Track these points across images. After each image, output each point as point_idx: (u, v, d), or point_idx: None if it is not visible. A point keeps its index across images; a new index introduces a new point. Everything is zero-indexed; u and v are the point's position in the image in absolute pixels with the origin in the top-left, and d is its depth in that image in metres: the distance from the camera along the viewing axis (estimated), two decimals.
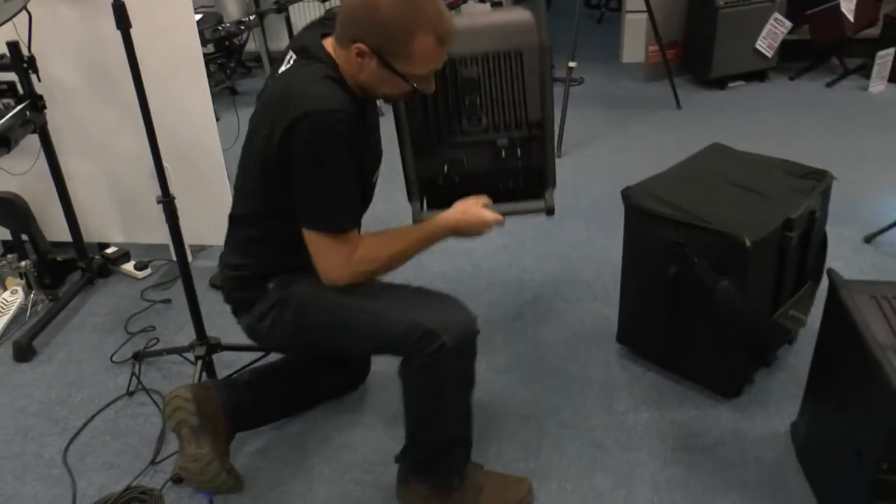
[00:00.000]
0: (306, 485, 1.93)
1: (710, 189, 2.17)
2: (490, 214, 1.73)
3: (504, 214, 1.77)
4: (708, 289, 1.97)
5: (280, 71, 1.66)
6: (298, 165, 1.55)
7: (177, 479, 1.93)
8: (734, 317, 1.96)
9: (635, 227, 2.15)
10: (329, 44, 1.62)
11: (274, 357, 2.23)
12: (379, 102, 1.81)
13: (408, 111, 1.82)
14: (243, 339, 1.94)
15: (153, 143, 2.00)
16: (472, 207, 1.74)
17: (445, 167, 1.88)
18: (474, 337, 1.61)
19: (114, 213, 2.98)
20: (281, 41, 4.88)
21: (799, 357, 2.22)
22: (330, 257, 1.63)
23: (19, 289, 2.73)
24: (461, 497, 1.78)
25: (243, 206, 1.77)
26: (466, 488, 1.79)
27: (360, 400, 2.21)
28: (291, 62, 1.64)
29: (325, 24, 1.69)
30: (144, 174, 2.84)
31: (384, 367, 2.28)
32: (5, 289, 2.74)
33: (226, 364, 2.32)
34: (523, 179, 1.91)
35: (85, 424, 2.18)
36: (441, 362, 1.55)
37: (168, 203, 2.05)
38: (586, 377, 2.25)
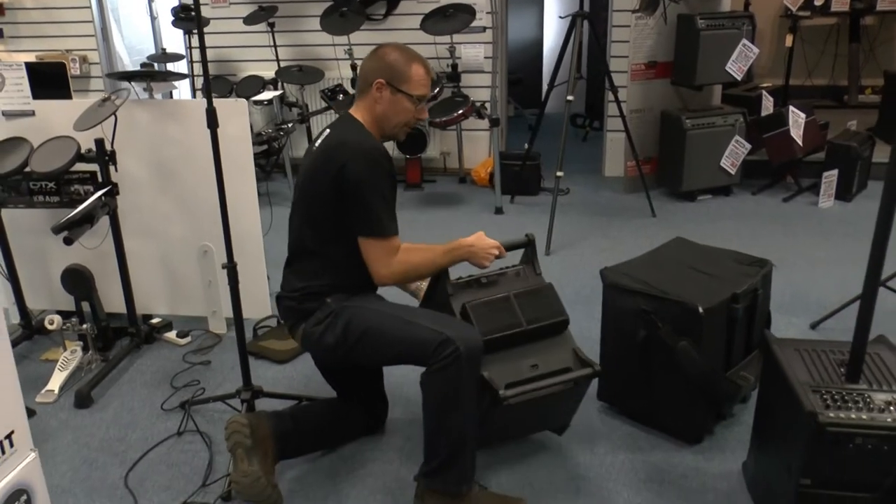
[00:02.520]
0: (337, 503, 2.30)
1: (672, 271, 2.65)
2: (496, 244, 2.31)
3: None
4: (671, 349, 2.41)
5: (321, 139, 2.30)
6: (353, 187, 2.13)
7: (226, 497, 2.29)
8: (693, 370, 2.39)
9: (611, 299, 2.61)
10: (353, 111, 2.29)
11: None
12: None
13: None
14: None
15: (225, 221, 2.44)
16: (484, 238, 2.31)
17: None
18: (481, 350, 2.08)
19: (161, 288, 3.41)
20: (301, 149, 5.46)
21: (750, 413, 2.59)
22: (380, 258, 2.19)
23: (77, 349, 3.13)
24: None
25: (310, 241, 2.28)
26: (473, 500, 2.17)
27: (379, 441, 2.59)
28: (328, 131, 2.31)
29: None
30: (189, 255, 3.31)
31: (400, 414, 2.69)
32: (65, 349, 3.13)
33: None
34: None
35: (142, 456, 2.55)
36: (455, 365, 2.01)
37: (232, 268, 2.48)
38: (572, 427, 2.62)
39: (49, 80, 3.29)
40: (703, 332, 2.39)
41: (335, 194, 2.17)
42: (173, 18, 5.56)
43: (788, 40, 6.51)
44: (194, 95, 5.80)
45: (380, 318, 2.18)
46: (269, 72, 5.66)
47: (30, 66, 3.15)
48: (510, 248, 2.40)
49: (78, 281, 3.14)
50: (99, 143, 2.95)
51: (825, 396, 1.92)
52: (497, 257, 2.33)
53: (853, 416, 1.86)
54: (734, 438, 2.56)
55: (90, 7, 6.04)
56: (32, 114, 3.19)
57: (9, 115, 3.18)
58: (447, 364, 2.02)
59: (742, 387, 2.56)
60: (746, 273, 2.65)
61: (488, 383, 2.15)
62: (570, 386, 2.30)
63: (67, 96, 3.38)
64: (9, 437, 1.53)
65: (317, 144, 2.31)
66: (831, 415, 1.86)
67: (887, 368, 2.01)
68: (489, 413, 2.19)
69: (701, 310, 2.36)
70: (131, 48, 6.49)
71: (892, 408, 1.88)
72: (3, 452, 1.51)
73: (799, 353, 2.11)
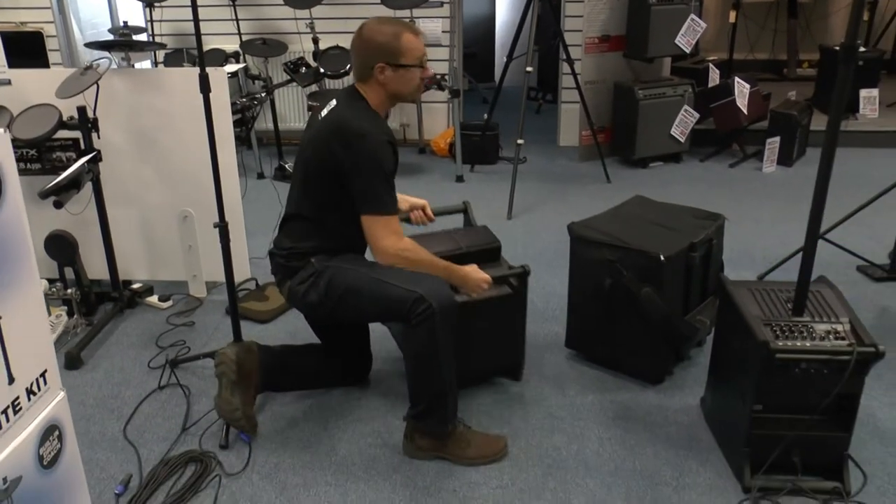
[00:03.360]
0: (330, 446, 2.46)
1: (634, 224, 2.86)
2: (487, 278, 2.44)
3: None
4: (634, 295, 2.62)
5: (327, 111, 2.37)
6: (359, 167, 2.22)
7: (224, 445, 2.45)
8: (655, 314, 2.61)
9: (578, 251, 2.81)
10: (361, 89, 2.36)
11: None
12: None
13: None
14: None
15: (217, 180, 2.55)
16: (479, 271, 2.44)
17: None
18: (454, 306, 2.23)
19: (141, 254, 3.50)
20: (266, 122, 5.52)
21: (706, 355, 2.84)
22: (382, 234, 2.27)
23: (62, 313, 3.20)
24: (454, 444, 2.35)
25: (305, 205, 2.39)
26: (458, 438, 2.35)
27: (365, 392, 2.76)
28: (335, 104, 2.36)
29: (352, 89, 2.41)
30: (170, 221, 3.40)
31: (382, 365, 2.85)
32: (49, 314, 3.20)
33: None
34: None
35: (136, 409, 2.67)
36: (430, 321, 2.15)
37: (223, 228, 2.60)
38: (543, 374, 2.85)
39: (23, 49, 3.32)
40: (664, 279, 2.61)
41: (336, 168, 2.24)
42: None
43: (732, 16, 6.80)
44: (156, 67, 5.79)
45: (357, 278, 2.30)
46: (231, 45, 5.69)
47: (5, 35, 3.18)
48: (448, 213, 2.96)
49: (62, 246, 3.20)
50: (81, 110, 3.01)
51: (775, 328, 2.15)
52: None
53: (799, 344, 2.10)
54: (691, 378, 2.79)
55: None
56: (8, 83, 3.22)
57: None
58: (422, 320, 2.16)
59: (699, 329, 2.80)
60: (702, 226, 2.87)
61: None
62: (507, 292, 2.60)
63: (43, 66, 3.40)
64: (43, 375, 1.65)
65: (323, 114, 2.38)
66: (780, 343, 2.09)
67: (827, 303, 2.26)
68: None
69: (662, 257, 2.57)
70: (86, 22, 6.42)
71: (831, 336, 2.12)
72: (39, 389, 1.63)
73: (751, 292, 2.34)
